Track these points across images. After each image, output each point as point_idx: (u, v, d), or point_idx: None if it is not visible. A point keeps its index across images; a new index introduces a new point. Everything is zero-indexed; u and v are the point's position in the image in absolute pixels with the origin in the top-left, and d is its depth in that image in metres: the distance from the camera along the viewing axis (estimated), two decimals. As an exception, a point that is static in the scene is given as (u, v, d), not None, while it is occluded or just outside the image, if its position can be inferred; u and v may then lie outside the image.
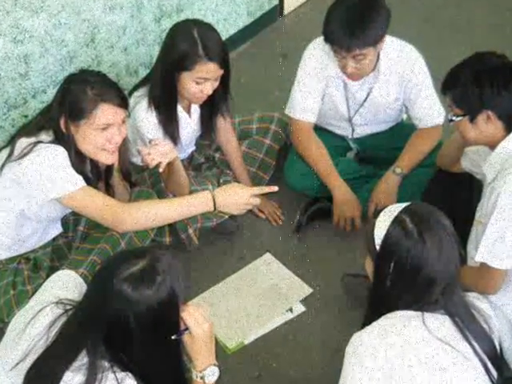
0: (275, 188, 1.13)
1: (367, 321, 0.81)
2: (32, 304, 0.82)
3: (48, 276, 0.99)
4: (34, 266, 1.15)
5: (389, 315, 0.78)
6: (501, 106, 0.96)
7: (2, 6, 1.31)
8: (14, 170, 1.03)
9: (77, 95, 1.02)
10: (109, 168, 1.16)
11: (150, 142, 1.21)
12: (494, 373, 0.78)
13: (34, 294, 0.91)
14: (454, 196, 1.16)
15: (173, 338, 0.74)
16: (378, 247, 0.80)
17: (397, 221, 0.79)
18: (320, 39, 1.29)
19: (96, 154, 1.07)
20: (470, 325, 0.78)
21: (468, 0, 2.21)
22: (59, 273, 0.93)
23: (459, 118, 1.00)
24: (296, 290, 1.28)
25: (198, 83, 1.19)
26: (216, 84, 1.23)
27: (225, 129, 1.41)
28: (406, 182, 1.35)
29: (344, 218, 1.35)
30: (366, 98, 1.35)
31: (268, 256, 1.37)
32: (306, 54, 1.36)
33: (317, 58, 1.33)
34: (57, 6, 1.42)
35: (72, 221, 1.20)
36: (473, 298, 0.84)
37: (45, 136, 1.05)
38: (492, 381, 0.77)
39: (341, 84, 1.34)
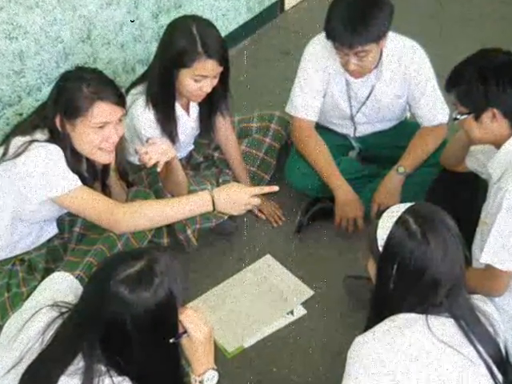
0: (275, 188, 1.11)
1: (370, 324, 0.80)
2: (27, 306, 0.82)
3: (43, 278, 0.99)
4: (29, 268, 1.13)
5: (392, 318, 0.77)
6: (506, 103, 0.95)
7: (-4, 2, 1.29)
8: (9, 170, 1.01)
9: (72, 93, 1.00)
10: (105, 167, 1.14)
11: (147, 140, 1.20)
12: (500, 377, 0.77)
13: (28, 296, 0.90)
14: (458, 196, 1.14)
15: (171, 341, 0.73)
16: (380, 248, 0.79)
17: (400, 221, 0.78)
18: (321, 36, 1.28)
19: (92, 153, 1.05)
20: (474, 328, 0.77)
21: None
22: (54, 275, 0.93)
23: (464, 116, 0.99)
24: (297, 292, 1.27)
25: (196, 81, 1.18)
26: (215, 81, 1.21)
27: (224, 127, 1.39)
28: (409, 182, 1.34)
29: (346, 218, 1.34)
30: (369, 96, 1.34)
31: (268, 257, 1.35)
32: (306, 51, 1.35)
33: (318, 55, 1.32)
34: (52, 2, 1.40)
35: (68, 221, 1.19)
36: (478, 300, 0.83)
37: (40, 135, 1.03)
38: (497, 385, 0.76)
39: (342, 81, 1.33)
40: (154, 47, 1.33)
